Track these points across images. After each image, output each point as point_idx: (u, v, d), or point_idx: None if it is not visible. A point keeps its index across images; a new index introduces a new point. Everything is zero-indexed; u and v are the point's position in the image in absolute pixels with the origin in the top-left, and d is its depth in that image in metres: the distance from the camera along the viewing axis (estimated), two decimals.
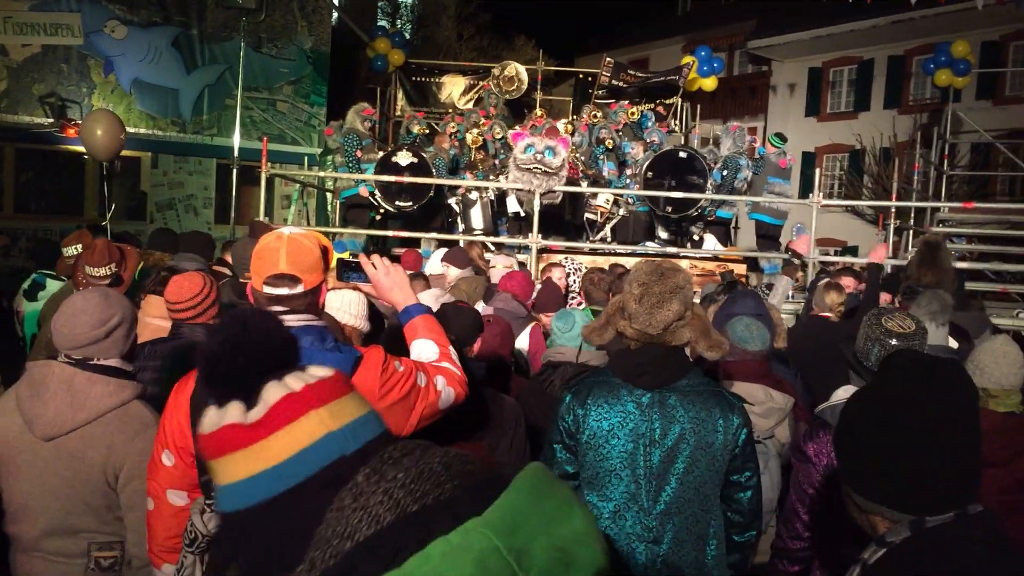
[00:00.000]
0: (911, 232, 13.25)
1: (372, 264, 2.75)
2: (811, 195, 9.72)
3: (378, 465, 0.95)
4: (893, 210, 12.91)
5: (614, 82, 15.26)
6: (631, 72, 15.54)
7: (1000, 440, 3.22)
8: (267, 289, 2.38)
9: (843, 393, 2.95)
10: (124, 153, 15.01)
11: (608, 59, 15.36)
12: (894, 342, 2.96)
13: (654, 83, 15.53)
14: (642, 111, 13.67)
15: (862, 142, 22.51)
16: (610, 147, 12.23)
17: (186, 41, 15.07)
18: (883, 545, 1.46)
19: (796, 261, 9.46)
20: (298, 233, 2.46)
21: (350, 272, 2.82)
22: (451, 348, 2.70)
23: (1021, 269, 11.95)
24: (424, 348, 2.65)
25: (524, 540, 0.87)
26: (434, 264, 7.40)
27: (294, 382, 1.13)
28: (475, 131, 12.62)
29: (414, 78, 17.14)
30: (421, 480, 0.91)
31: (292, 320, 2.37)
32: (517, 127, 12.55)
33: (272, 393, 1.12)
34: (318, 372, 1.16)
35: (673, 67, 15.94)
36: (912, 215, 13.85)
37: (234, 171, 10.71)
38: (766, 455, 3.39)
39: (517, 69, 15.75)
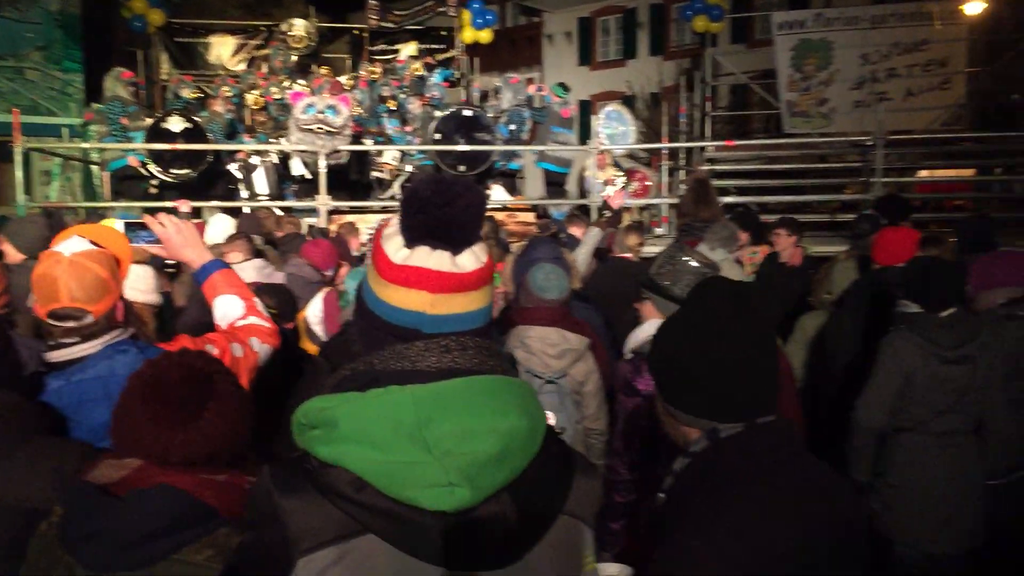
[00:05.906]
0: (683, 172, 14.05)
1: (160, 223, 2.59)
2: (588, 142, 10.11)
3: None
4: (665, 152, 13.62)
5: (383, 24, 15.32)
6: (397, 12, 15.61)
7: None
8: (52, 321, 2.20)
9: (650, 328, 3.07)
10: None
11: (372, 1, 15.32)
12: (698, 266, 3.13)
13: (423, 21, 15.72)
14: (426, 63, 13.70)
15: (632, 89, 23.50)
16: (393, 107, 12.12)
17: None
18: (688, 455, 1.61)
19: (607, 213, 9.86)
20: (80, 253, 2.23)
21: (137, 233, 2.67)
22: (256, 300, 2.63)
23: (781, 200, 12.97)
24: (228, 304, 2.56)
25: (436, 412, 1.15)
26: (215, 233, 7.04)
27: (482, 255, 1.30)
28: (255, 92, 12.14)
29: (178, 39, 16.19)
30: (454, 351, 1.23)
31: (89, 347, 2.22)
32: (298, 85, 12.17)
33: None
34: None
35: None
36: (682, 156, 14.67)
37: None
38: (560, 394, 3.50)
39: (306, 27, 15.27)
